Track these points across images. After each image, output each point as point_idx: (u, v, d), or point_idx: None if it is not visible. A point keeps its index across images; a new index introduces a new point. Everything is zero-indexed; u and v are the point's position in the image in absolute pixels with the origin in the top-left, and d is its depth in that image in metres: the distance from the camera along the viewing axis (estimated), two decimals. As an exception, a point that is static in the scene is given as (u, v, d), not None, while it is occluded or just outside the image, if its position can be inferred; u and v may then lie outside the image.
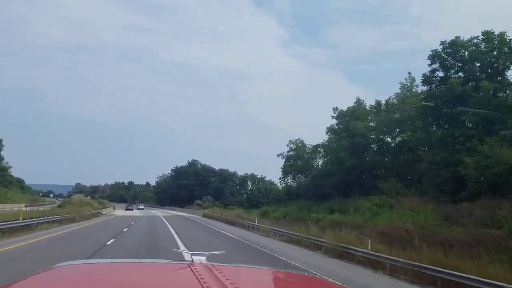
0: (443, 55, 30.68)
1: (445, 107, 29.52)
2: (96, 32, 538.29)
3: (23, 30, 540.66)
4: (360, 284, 12.19)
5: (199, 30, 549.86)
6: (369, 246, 16.72)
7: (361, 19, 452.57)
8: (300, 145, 59.42)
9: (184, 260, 1.93)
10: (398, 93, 44.03)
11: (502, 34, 27.99)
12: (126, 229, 28.70)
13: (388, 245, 17.62)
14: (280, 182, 64.45)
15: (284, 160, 60.51)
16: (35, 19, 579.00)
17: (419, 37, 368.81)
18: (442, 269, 12.28)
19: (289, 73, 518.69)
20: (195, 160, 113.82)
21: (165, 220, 42.51)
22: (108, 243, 18.60)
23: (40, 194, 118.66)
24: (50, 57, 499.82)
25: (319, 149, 55.14)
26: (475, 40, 29.83)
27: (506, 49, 27.83)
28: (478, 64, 29.75)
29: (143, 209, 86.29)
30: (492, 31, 28.61)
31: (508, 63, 28.24)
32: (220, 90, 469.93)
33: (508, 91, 28.66)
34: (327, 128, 47.38)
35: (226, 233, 29.59)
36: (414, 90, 42.62)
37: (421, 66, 79.79)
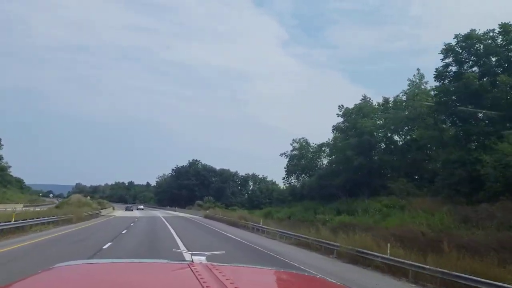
0: (457, 49, 29.31)
1: (460, 103, 28.11)
2: (96, 32, 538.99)
3: (23, 30, 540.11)
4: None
5: (199, 30, 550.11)
6: (388, 251, 15.35)
7: (361, 19, 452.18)
8: (304, 144, 58.05)
9: (184, 260, 1.89)
10: (406, 90, 42.62)
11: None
12: (125, 231, 27.39)
13: (405, 248, 16.28)
14: (283, 182, 63.05)
15: (287, 159, 59.21)
16: (35, 19, 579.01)
17: (419, 37, 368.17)
18: (478, 278, 10.88)
19: (289, 73, 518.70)
20: (196, 160, 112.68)
21: (165, 222, 41.18)
22: (104, 247, 17.25)
23: (40, 194, 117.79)
24: (50, 57, 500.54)
25: (323, 148, 53.81)
26: (491, 33, 28.48)
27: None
28: (494, 58, 28.43)
29: (142, 209, 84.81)
30: (509, 23, 27.23)
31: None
32: (220, 90, 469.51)
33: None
34: (333, 126, 46.07)
35: (230, 236, 28.25)
36: (423, 87, 41.34)
37: (422, 66, 79.17)
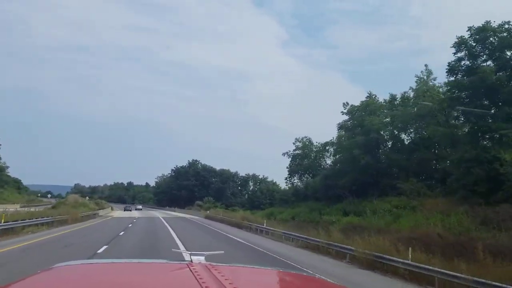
0: (471, 42, 28.01)
1: (475, 99, 26.80)
2: (96, 32, 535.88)
3: (23, 30, 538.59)
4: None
5: (199, 30, 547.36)
6: (410, 256, 14.00)
7: (361, 19, 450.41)
8: (307, 143, 56.68)
9: (183, 260, 1.86)
10: (414, 87, 41.32)
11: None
12: (122, 232, 26.02)
13: (424, 252, 14.93)
14: (286, 182, 61.68)
15: (290, 159, 57.84)
16: (35, 19, 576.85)
17: (419, 37, 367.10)
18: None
19: (289, 73, 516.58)
20: (196, 160, 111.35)
21: (165, 222, 39.78)
22: (99, 251, 15.86)
23: (39, 195, 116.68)
24: (50, 57, 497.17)
25: (327, 147, 52.47)
26: (506, 26, 27.19)
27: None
28: (509, 52, 27.13)
29: (141, 209, 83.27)
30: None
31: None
32: (220, 90, 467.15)
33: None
34: (337, 124, 44.75)
35: (234, 238, 26.87)
36: (430, 83, 40.05)
37: (422, 66, 77.26)
